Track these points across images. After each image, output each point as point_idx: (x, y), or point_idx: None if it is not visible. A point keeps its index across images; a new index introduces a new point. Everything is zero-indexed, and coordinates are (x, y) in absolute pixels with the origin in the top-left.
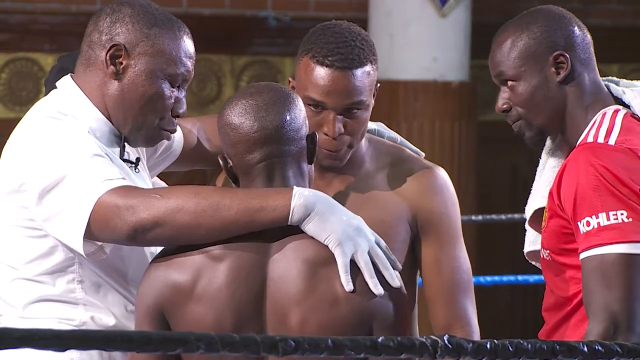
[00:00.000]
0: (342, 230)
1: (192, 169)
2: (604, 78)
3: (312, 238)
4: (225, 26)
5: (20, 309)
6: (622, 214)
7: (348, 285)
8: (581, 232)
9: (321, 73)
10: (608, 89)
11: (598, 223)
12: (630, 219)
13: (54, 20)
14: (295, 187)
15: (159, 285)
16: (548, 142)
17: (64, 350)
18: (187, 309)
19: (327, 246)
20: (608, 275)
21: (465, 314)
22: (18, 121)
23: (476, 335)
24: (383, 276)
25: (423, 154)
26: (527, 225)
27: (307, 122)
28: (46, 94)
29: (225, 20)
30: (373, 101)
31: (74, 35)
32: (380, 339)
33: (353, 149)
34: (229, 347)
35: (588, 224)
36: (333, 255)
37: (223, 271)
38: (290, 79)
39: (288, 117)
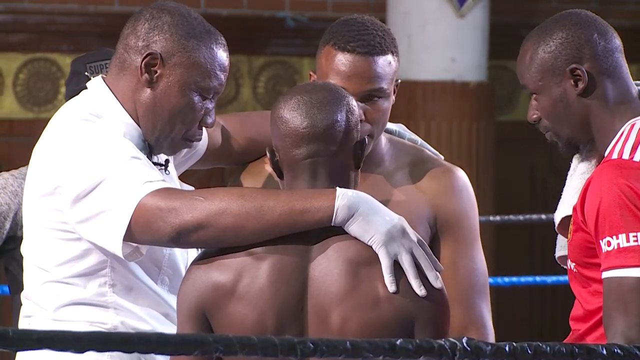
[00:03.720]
0: (385, 231)
1: (211, 168)
2: (638, 82)
3: (354, 238)
4: (243, 26)
5: (51, 311)
6: None
7: (392, 287)
8: (602, 251)
9: (342, 59)
10: None
11: (618, 244)
12: None
13: (71, 20)
14: (338, 188)
15: (201, 286)
16: (580, 147)
17: (82, 352)
18: (229, 309)
19: (369, 246)
20: (626, 299)
21: (480, 316)
22: (36, 121)
23: (491, 337)
24: (425, 277)
25: (442, 157)
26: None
27: (359, 127)
28: (66, 94)
29: (243, 21)
30: (394, 97)
31: (91, 36)
32: (398, 342)
33: (374, 141)
34: (247, 349)
35: (609, 244)
36: (375, 255)
37: (265, 271)
38: (311, 73)
39: (339, 119)
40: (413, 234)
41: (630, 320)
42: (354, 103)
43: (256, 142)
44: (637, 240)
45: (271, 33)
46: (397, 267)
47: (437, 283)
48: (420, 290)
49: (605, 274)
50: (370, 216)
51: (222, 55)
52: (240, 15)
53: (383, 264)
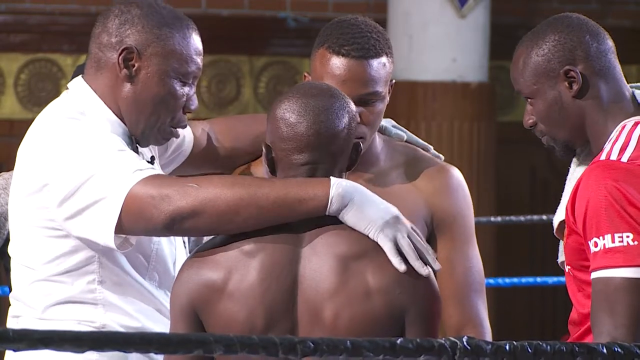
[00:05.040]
0: (380, 218)
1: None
2: (633, 85)
3: (343, 232)
4: (244, 27)
5: (39, 311)
6: (627, 237)
7: (401, 266)
8: (591, 252)
9: (337, 63)
10: (634, 96)
11: (604, 244)
12: (636, 242)
13: (72, 21)
14: (332, 177)
15: (192, 285)
16: (577, 151)
17: (83, 351)
18: (219, 307)
19: (358, 241)
20: (612, 300)
21: (477, 315)
22: None
23: (488, 336)
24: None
25: (431, 147)
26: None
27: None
28: None
29: (244, 21)
30: (388, 97)
31: None
32: (399, 341)
33: (367, 142)
34: (248, 348)
35: (596, 244)
36: (364, 249)
37: (255, 268)
38: (305, 74)
39: (344, 127)
40: (407, 221)
41: (616, 321)
42: (354, 108)
43: (242, 146)
44: (622, 241)
45: (272, 33)
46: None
47: (437, 265)
48: (423, 271)
49: (593, 275)
50: (365, 205)
51: (195, 39)
52: (242, 15)
53: (386, 247)
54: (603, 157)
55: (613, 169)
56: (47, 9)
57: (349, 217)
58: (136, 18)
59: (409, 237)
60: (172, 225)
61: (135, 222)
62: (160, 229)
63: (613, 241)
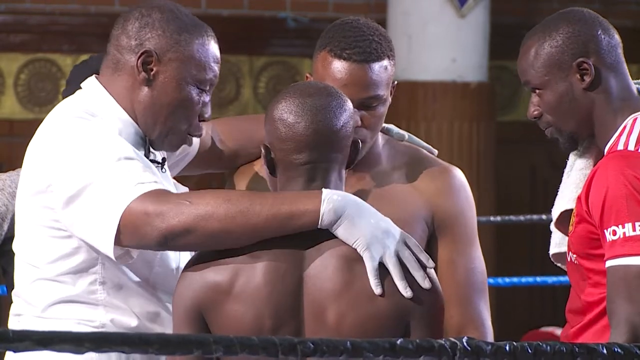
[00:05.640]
0: (370, 234)
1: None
2: (636, 81)
3: None
4: (244, 27)
5: (40, 309)
6: None
7: (377, 289)
8: (607, 241)
9: (338, 66)
10: (639, 92)
11: (624, 233)
12: None
13: (72, 21)
14: (324, 190)
15: (197, 287)
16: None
17: (82, 352)
18: (225, 309)
19: None
20: (631, 287)
21: (479, 316)
22: (37, 122)
23: (490, 336)
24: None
25: (436, 151)
26: (553, 227)
27: (353, 129)
28: (65, 94)
29: (244, 21)
30: (390, 98)
31: (92, 36)
32: (399, 341)
33: (368, 145)
34: (248, 349)
35: (614, 233)
36: None
37: (260, 270)
38: (307, 75)
39: (342, 125)
40: (399, 234)
41: (635, 307)
42: (352, 107)
43: (246, 147)
44: None
45: (272, 33)
46: (385, 267)
47: (425, 283)
48: (406, 292)
49: (609, 263)
50: (356, 219)
51: (213, 46)
52: (241, 15)
53: (367, 267)
54: (620, 147)
55: (632, 159)
56: (47, 9)
57: (340, 231)
58: (157, 22)
59: (398, 254)
60: (165, 243)
61: (131, 237)
62: (154, 245)
63: (634, 229)
